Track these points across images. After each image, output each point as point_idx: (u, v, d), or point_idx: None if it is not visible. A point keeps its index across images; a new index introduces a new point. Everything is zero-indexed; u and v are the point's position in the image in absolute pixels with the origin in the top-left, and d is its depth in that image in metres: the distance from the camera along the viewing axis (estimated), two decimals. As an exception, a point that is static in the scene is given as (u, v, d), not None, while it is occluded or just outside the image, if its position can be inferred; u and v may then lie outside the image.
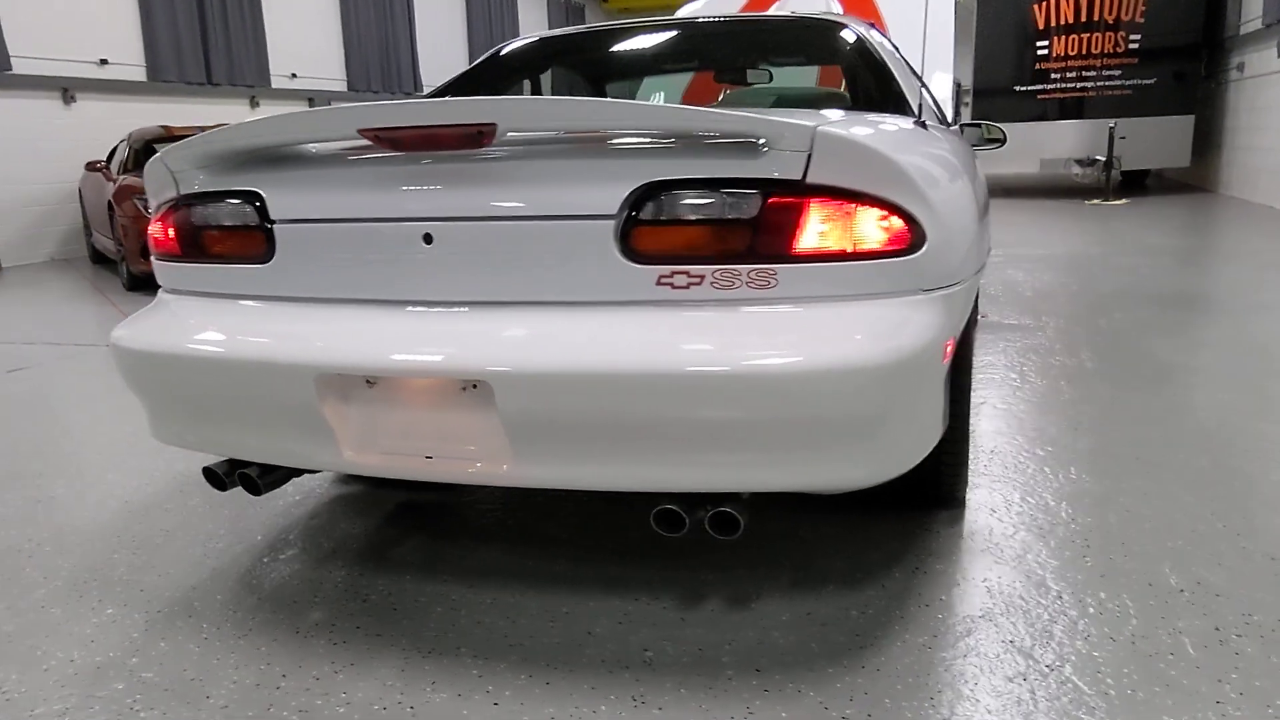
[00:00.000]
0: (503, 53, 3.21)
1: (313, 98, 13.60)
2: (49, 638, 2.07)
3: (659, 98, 4.54)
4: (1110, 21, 11.35)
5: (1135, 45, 11.35)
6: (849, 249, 1.70)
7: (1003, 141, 3.85)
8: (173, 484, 2.96)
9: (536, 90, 3.37)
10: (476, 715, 1.72)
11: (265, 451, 1.97)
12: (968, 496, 2.58)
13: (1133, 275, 6.08)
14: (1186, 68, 11.33)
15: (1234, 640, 1.84)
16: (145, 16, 11.11)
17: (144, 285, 7.42)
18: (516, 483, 1.79)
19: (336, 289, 1.90)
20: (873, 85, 2.67)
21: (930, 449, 1.99)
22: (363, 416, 1.83)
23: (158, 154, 2.04)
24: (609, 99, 1.74)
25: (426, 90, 3.00)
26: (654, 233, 1.70)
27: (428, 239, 1.80)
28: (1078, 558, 2.21)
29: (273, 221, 1.93)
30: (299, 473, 2.11)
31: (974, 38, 12.06)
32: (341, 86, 14.52)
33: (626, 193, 1.69)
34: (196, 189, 2.04)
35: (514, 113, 1.70)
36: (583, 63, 3.47)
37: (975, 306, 2.42)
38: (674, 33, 3.12)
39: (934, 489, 2.39)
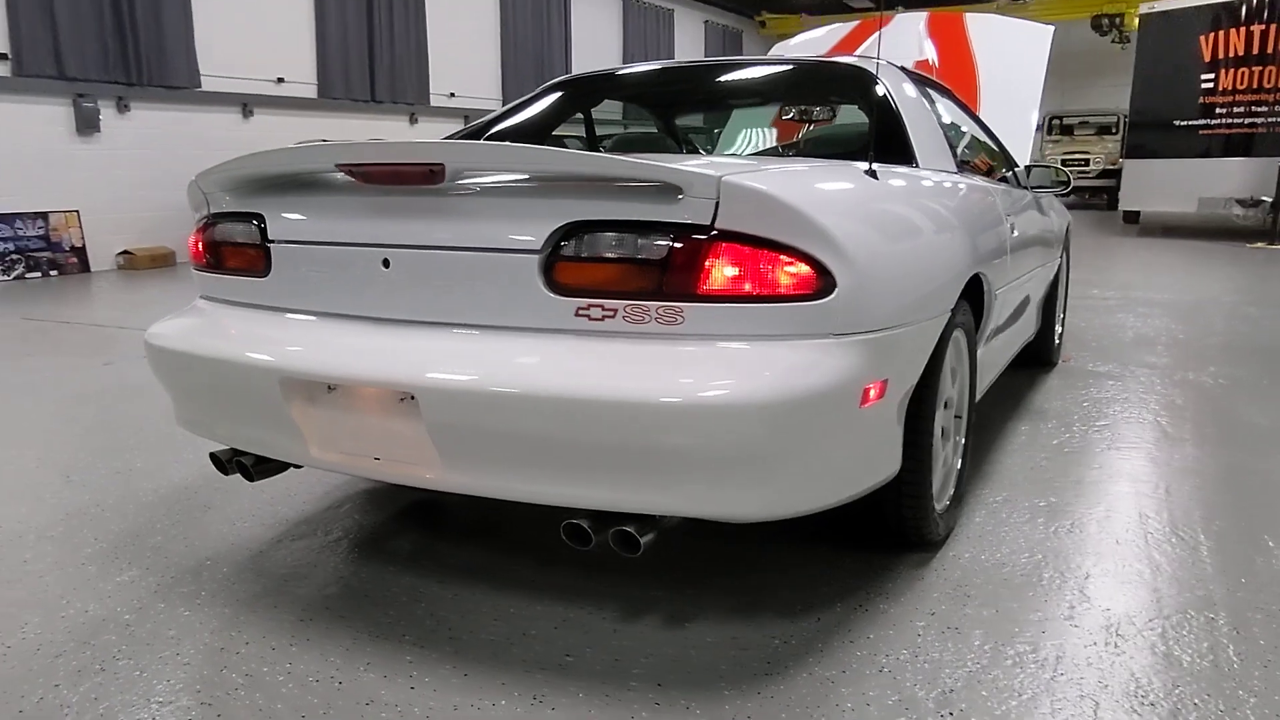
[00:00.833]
0: (557, 85, 3.41)
1: (469, 115, 14.26)
2: (76, 590, 2.37)
3: (748, 133, 4.65)
4: (1286, 56, 10.68)
5: (1313, 81, 10.65)
6: (754, 292, 1.80)
7: (1068, 184, 3.79)
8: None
9: (590, 122, 3.55)
10: (390, 695, 1.89)
11: (253, 443, 2.22)
12: (950, 541, 2.59)
13: (1253, 326, 5.76)
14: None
15: None
16: (320, 40, 11.96)
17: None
18: (445, 488, 1.96)
19: (315, 303, 2.12)
20: (878, 130, 2.73)
21: (859, 489, 2.06)
22: (325, 418, 2.04)
23: (195, 176, 2.32)
24: (537, 146, 1.90)
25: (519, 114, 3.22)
26: (574, 268, 1.85)
27: (386, 263, 2.00)
28: (1021, 616, 2.21)
29: (271, 241, 2.17)
30: (287, 466, 2.35)
31: (1133, 69, 11.57)
32: (497, 104, 15.17)
33: (551, 230, 1.84)
34: (222, 209, 2.31)
35: (459, 154, 1.87)
36: (625, 97, 3.63)
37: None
38: (708, 75, 3.25)
39: (897, 529, 2.42)
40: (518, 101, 3.35)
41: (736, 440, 1.74)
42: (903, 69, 3.07)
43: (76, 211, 9.62)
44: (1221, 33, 10.98)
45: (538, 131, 3.29)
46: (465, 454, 1.89)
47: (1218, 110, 11.10)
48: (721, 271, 1.79)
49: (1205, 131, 11.21)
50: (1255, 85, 10.87)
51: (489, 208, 1.92)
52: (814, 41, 5.94)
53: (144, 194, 10.13)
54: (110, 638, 2.14)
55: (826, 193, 1.96)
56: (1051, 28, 5.30)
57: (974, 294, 2.71)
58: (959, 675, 1.94)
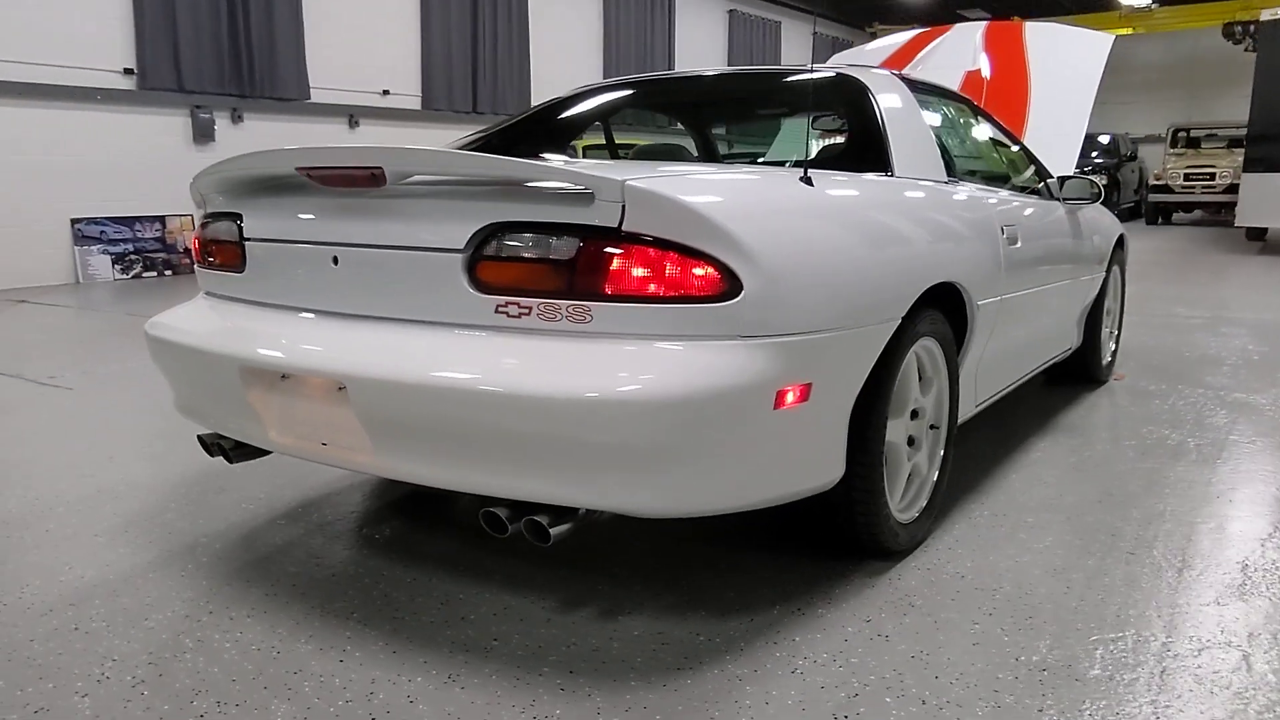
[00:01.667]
0: (574, 95, 3.52)
1: (570, 125, 14.50)
2: (80, 558, 2.57)
3: (780, 142, 4.68)
4: None
5: None
6: (660, 293, 1.85)
7: (1099, 196, 3.69)
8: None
9: (609, 130, 3.65)
10: (319, 667, 2.01)
11: (226, 427, 2.38)
12: (918, 551, 2.58)
13: (1340, 351, 5.46)
14: None
15: None
16: (425, 54, 12.41)
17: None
18: (379, 472, 2.08)
19: (278, 297, 2.27)
20: (856, 138, 2.75)
21: (788, 492, 2.09)
22: (280, 405, 2.18)
23: (194, 178, 2.50)
24: (463, 151, 2.00)
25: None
26: (494, 267, 1.94)
27: (335, 260, 2.13)
28: (957, 630, 2.20)
29: (246, 239, 2.33)
30: (262, 452, 2.50)
31: (1253, 79, 11.01)
32: (601, 115, 15.39)
33: (473, 231, 1.94)
34: (215, 209, 2.49)
35: (395, 158, 1.99)
36: (632, 105, 3.70)
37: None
38: (708, 84, 3.30)
39: (850, 537, 2.43)
40: (537, 108, 3.46)
41: (634, 436, 1.80)
42: (901, 77, 3.06)
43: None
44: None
45: (551, 135, 3.40)
46: (392, 441, 1.99)
47: (1346, 122, 10.47)
48: (628, 272, 1.85)
49: (1332, 145, 10.60)
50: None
51: (422, 209, 2.03)
52: (874, 51, 5.89)
53: (253, 200, 10.67)
54: (95, 602, 2.32)
55: (736, 198, 2.00)
56: (1112, 36, 5.13)
57: (956, 304, 2.69)
58: (869, 681, 1.94)
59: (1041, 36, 5.29)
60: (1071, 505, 2.94)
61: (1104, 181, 13.55)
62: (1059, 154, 4.56)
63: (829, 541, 2.55)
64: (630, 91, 3.59)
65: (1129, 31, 20.61)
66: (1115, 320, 4.77)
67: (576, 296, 1.88)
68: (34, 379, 4.87)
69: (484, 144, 3.26)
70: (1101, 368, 4.53)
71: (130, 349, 5.71)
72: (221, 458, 2.51)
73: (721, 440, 1.89)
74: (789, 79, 3.09)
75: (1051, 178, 3.81)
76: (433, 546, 2.65)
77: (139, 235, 9.91)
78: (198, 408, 2.47)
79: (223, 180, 2.43)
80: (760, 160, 3.61)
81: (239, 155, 2.26)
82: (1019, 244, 3.06)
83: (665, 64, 16.50)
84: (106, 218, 9.63)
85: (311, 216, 2.19)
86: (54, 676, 1.98)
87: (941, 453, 2.72)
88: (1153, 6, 19.83)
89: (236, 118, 10.50)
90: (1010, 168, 3.69)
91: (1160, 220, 18.04)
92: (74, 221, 9.36)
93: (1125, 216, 18.77)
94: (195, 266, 2.61)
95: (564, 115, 3.49)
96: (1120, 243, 4.54)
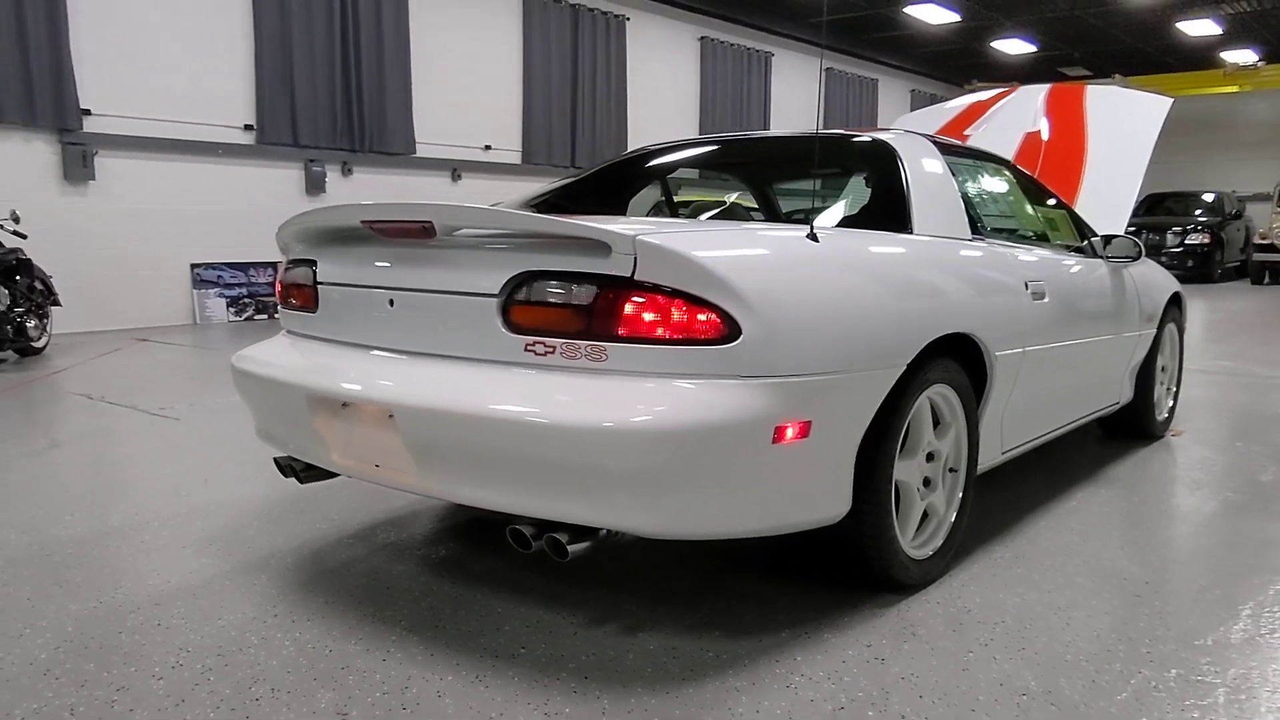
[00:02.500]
0: (637, 155, 3.80)
1: (662, 179, 14.90)
2: (167, 565, 2.89)
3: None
4: None
5: None
6: (668, 335, 2.08)
7: (1140, 255, 3.79)
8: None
9: (667, 188, 3.91)
10: (363, 664, 2.25)
11: (297, 450, 2.67)
12: (932, 586, 2.71)
13: None
14: None
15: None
16: (526, 112, 13.00)
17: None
18: (422, 491, 2.33)
19: (344, 334, 2.57)
20: (880, 197, 2.95)
21: (790, 522, 2.28)
22: (341, 430, 2.46)
23: (278, 228, 2.84)
24: (498, 209, 2.27)
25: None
26: (524, 310, 2.19)
27: (391, 303, 2.41)
28: (952, 659, 2.33)
29: (320, 283, 2.64)
30: (329, 474, 2.78)
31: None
32: (693, 169, 15.75)
33: (507, 278, 2.20)
34: (295, 256, 2.81)
35: (442, 214, 2.27)
36: (681, 165, 3.95)
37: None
38: (750, 148, 3.55)
39: (860, 569, 2.58)
40: (598, 167, 3.75)
41: (643, 462, 2.02)
42: (934, 140, 3.24)
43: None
44: None
45: (607, 192, 3.67)
46: (432, 463, 2.25)
47: None
48: (639, 317, 2.08)
49: None
50: None
51: (465, 259, 2.31)
52: (943, 111, 6.05)
53: (357, 249, 11.27)
54: (177, 603, 2.62)
55: (738, 252, 2.21)
56: (1170, 100, 5.19)
57: (975, 354, 2.84)
58: (857, 698, 2.10)
59: (1102, 99, 5.38)
60: (1089, 551, 3.03)
61: (1206, 240, 13.24)
62: (1111, 213, 4.65)
63: (843, 574, 2.71)
64: (690, 152, 3.85)
65: (1235, 89, 20.21)
66: (1172, 377, 4.79)
67: (594, 337, 2.11)
68: (146, 410, 5.32)
69: (551, 199, 3.55)
70: (1156, 423, 4.56)
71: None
72: (294, 479, 2.80)
73: (723, 469, 2.09)
74: (831, 142, 3.30)
75: (1096, 236, 3.91)
76: (481, 565, 2.90)
77: (253, 280, 10.57)
78: (274, 433, 2.77)
79: (301, 230, 2.75)
80: (805, 217, 3.82)
81: (316, 209, 2.58)
82: (1046, 299, 3.19)
83: (761, 119, 16.83)
84: (224, 263, 10.30)
85: (374, 264, 2.49)
86: (136, 662, 2.27)
87: (960, 495, 2.85)
88: (1259, 65, 19.41)
89: (347, 170, 11.14)
90: (1049, 226, 3.81)
91: (1267, 280, 17.50)
92: (193, 266, 10.05)
93: (1231, 276, 18.26)
94: (279, 307, 2.94)
95: (628, 173, 3.76)
96: (1175, 300, 4.58)
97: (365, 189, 11.27)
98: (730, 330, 2.07)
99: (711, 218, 3.61)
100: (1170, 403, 4.77)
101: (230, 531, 3.21)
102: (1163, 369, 4.60)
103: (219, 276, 10.37)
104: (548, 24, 13.14)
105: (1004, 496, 3.61)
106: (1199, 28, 16.94)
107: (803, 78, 18.09)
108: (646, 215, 3.90)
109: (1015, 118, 5.50)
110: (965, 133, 5.51)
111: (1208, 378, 6.52)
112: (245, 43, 10.13)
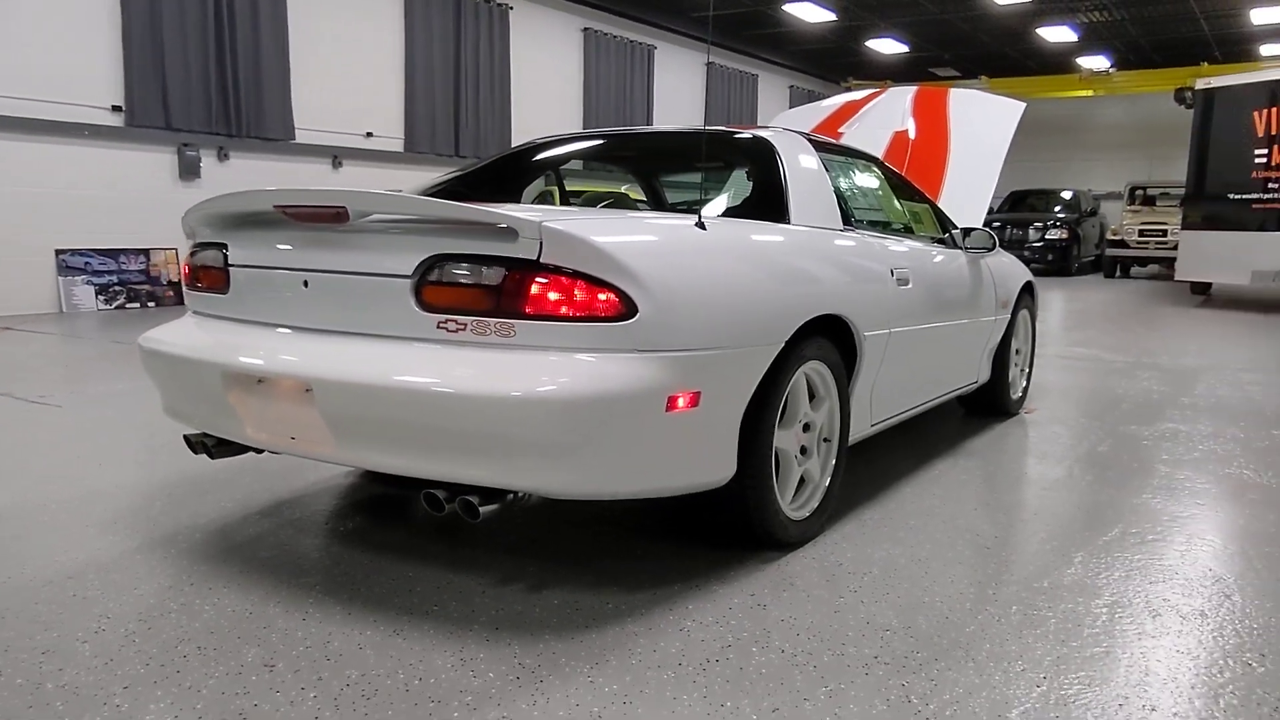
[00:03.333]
0: (534, 145, 3.97)
1: (547, 169, 15.01)
2: (75, 545, 2.93)
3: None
4: (1345, 132, 10.70)
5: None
6: (570, 313, 2.27)
7: (993, 247, 4.16)
8: (241, 461, 3.84)
9: (560, 178, 4.09)
10: (285, 623, 2.38)
11: (209, 425, 2.77)
12: (811, 544, 2.98)
13: (1234, 390, 5.93)
14: None
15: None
16: (409, 98, 12.92)
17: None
18: (339, 461, 2.48)
19: (256, 314, 2.68)
20: (761, 190, 3.21)
21: (682, 484, 2.51)
22: (257, 405, 2.57)
23: (185, 213, 2.91)
24: (413, 195, 2.42)
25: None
26: (436, 290, 2.35)
27: (306, 284, 2.54)
28: (825, 604, 2.60)
29: (231, 265, 2.74)
30: (241, 450, 2.89)
31: (1190, 142, 11.68)
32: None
33: (420, 260, 2.36)
34: (203, 240, 2.90)
35: (356, 200, 2.41)
36: (572, 158, 4.15)
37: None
38: (640, 142, 3.79)
39: (744, 529, 2.83)
40: (493, 158, 3.91)
41: (548, 429, 2.21)
42: (809, 138, 3.52)
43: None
44: (1275, 109, 11.04)
45: (503, 182, 3.83)
46: (350, 434, 2.40)
47: (1270, 185, 11.12)
48: (545, 296, 2.27)
49: (1258, 206, 11.25)
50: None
51: (379, 242, 2.45)
52: (817, 110, 6.40)
53: (236, 236, 11.06)
54: (90, 576, 2.69)
55: (634, 238, 2.43)
56: (1023, 104, 5.65)
57: (847, 334, 3.12)
58: (742, 637, 2.34)
59: (963, 102, 5.80)
60: (948, 512, 3.36)
61: (1065, 235, 14.11)
62: (971, 208, 5.05)
63: (730, 534, 2.95)
64: (581, 145, 4.04)
65: (1090, 93, 21.46)
66: (1025, 359, 5.22)
67: (502, 315, 2.29)
68: (24, 397, 5.23)
69: (449, 187, 3.69)
70: (1011, 402, 4.97)
71: (116, 373, 6.07)
72: (205, 455, 2.89)
73: (621, 435, 2.30)
74: (714, 138, 3.54)
75: (956, 229, 4.27)
76: (388, 536, 3.04)
77: (124, 267, 10.28)
78: (184, 410, 2.86)
79: (210, 215, 2.84)
80: (689, 207, 4.07)
81: (225, 194, 2.68)
82: (910, 285, 3.50)
83: (644, 112, 17.09)
84: (91, 249, 9.99)
85: (287, 247, 2.61)
86: (58, 628, 2.35)
87: (834, 463, 3.13)
88: (1111, 71, 20.67)
89: (223, 156, 10.92)
90: (914, 219, 4.15)
91: (1119, 274, 18.70)
92: (59, 252, 9.71)
93: (1087, 269, 19.44)
94: (185, 289, 3.01)
95: (522, 163, 3.94)
96: (1028, 289, 5.01)
97: (242, 175, 11.05)
98: (628, 309, 2.28)
99: (603, 208, 3.81)
100: (1024, 383, 5.20)
101: (133, 511, 3.26)
102: (1017, 351, 5.01)
103: (87, 263, 10.05)
104: (430, 10, 13.09)
105: (874, 466, 3.93)
106: (1057, 34, 17.94)
107: (685, 71, 18.43)
108: (533, 204, 4.07)
109: (885, 117, 5.88)
110: (839, 130, 5.86)
111: (1061, 362, 7.07)
112: (112, 20, 9.82)
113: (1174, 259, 15.35)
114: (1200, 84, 11.98)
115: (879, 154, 5.09)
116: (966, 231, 4.25)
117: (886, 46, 19.58)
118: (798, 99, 21.70)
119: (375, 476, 3.59)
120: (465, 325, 2.33)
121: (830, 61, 21.53)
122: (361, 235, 2.48)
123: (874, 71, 22.27)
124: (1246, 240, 11.17)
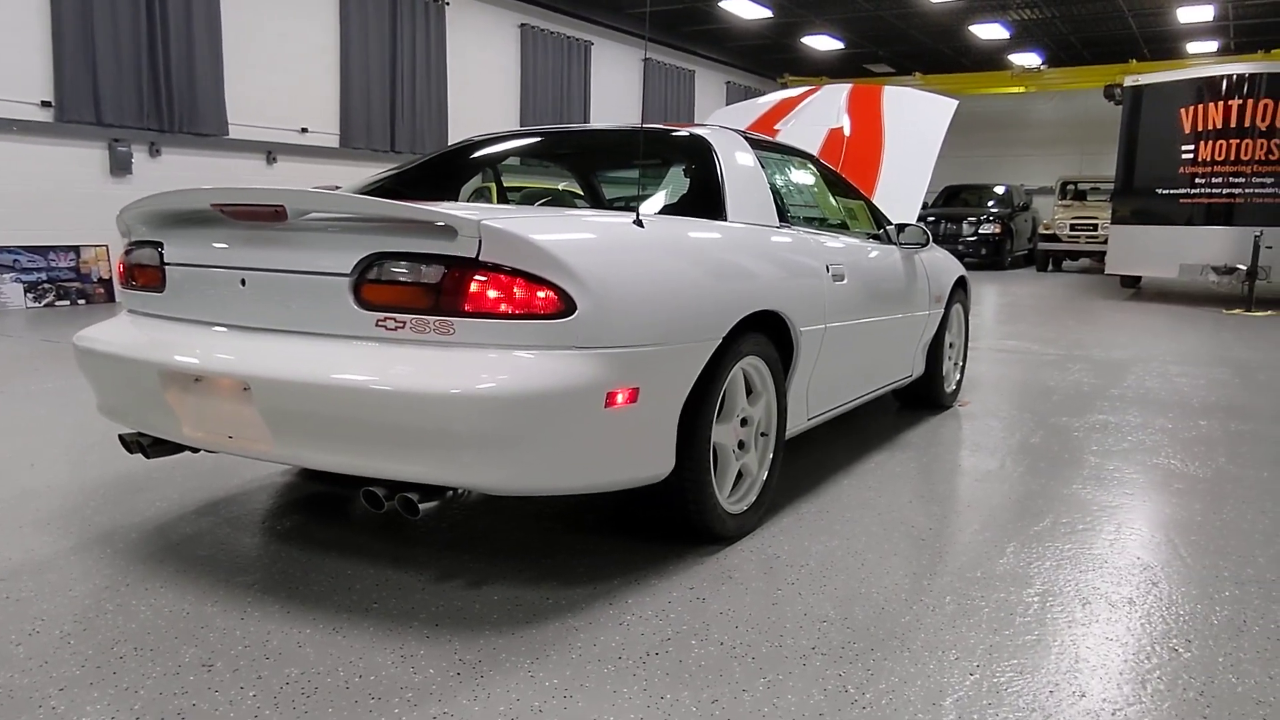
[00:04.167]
0: (475, 142, 3.97)
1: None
2: (6, 546, 2.88)
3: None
4: (1263, 129, 11.06)
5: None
6: (509, 311, 2.30)
7: (926, 242, 4.25)
8: (175, 459, 3.80)
9: (498, 176, 4.10)
10: (222, 622, 2.38)
11: (145, 425, 2.74)
12: (749, 537, 3.03)
13: (1161, 382, 6.13)
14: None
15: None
16: (344, 94, 12.78)
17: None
18: (277, 459, 2.47)
19: (193, 313, 2.66)
20: (698, 187, 3.25)
21: (621, 479, 2.54)
22: (194, 404, 2.56)
23: (119, 211, 2.88)
24: (351, 194, 2.42)
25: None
26: (375, 289, 2.36)
27: (243, 282, 2.53)
28: (764, 595, 2.65)
29: (166, 264, 2.72)
30: (178, 449, 2.86)
31: (1119, 138, 12.01)
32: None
33: (359, 259, 2.36)
34: (138, 238, 2.86)
35: (294, 199, 2.40)
36: (515, 155, 4.17)
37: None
38: (581, 140, 3.82)
39: (683, 523, 2.87)
40: (430, 155, 3.90)
41: (487, 425, 2.23)
42: (746, 135, 3.58)
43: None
44: (1201, 106, 11.40)
45: (448, 178, 3.83)
46: (288, 432, 2.39)
47: (1197, 180, 11.49)
48: (484, 294, 2.29)
49: (1185, 200, 11.61)
50: (1233, 157, 11.26)
51: (317, 241, 2.45)
52: (753, 107, 6.48)
53: (170, 232, 10.86)
54: (23, 577, 2.65)
55: (573, 235, 2.46)
56: (955, 102, 5.78)
57: (783, 330, 3.18)
58: (681, 630, 2.39)
59: (897, 100, 5.91)
60: (884, 505, 3.44)
61: (998, 230, 14.43)
62: (905, 204, 5.15)
63: (669, 528, 2.99)
64: (519, 142, 4.06)
65: (1021, 90, 21.91)
66: (959, 353, 5.34)
67: (442, 313, 2.31)
68: (-49, 398, 5.10)
69: (387, 184, 3.68)
70: (945, 395, 5.09)
71: (46, 372, 5.94)
72: (140, 454, 2.86)
73: (560, 431, 2.33)
74: (652, 136, 3.58)
75: (891, 225, 4.36)
76: (326, 534, 3.04)
77: (53, 264, 10.04)
78: (119, 409, 2.83)
79: (146, 213, 2.81)
80: (626, 204, 4.10)
81: (161, 192, 2.65)
82: (845, 280, 3.57)
83: (581, 108, 17.08)
84: (20, 247, 9.74)
85: (224, 245, 2.59)
86: (-11, 632, 2.32)
87: (771, 457, 3.19)
88: (1042, 68, 21.11)
89: (155, 152, 10.71)
90: (849, 215, 4.23)
91: (1051, 267, 19.13)
92: (-14, 249, 9.47)
93: (1020, 263, 19.85)
94: (119, 287, 2.98)
95: (460, 161, 3.94)
96: (961, 283, 5.12)
97: (175, 171, 10.84)
98: (566, 306, 2.31)
99: (541, 205, 3.83)
100: (958, 376, 5.33)
101: (67, 511, 3.21)
102: (951, 345, 5.13)
103: (15, 260, 9.79)
104: (365, 5, 12.94)
105: (811, 459, 4.00)
106: (989, 31, 18.29)
107: (622, 67, 18.45)
108: (471, 202, 4.08)
109: (820, 115, 5.97)
110: (775, 128, 5.94)
111: (994, 355, 7.23)
112: (42, 13, 9.59)
113: (1105, 253, 15.78)
114: (1129, 81, 12.32)
115: (814, 151, 5.17)
116: (901, 227, 4.34)
117: (822, 43, 19.80)
118: (734, 95, 21.84)
119: (313, 474, 3.58)
120: (404, 323, 2.33)
121: (766, 58, 21.71)
122: (300, 234, 2.48)
123: (810, 68, 22.51)
124: (1175, 234, 11.53)
